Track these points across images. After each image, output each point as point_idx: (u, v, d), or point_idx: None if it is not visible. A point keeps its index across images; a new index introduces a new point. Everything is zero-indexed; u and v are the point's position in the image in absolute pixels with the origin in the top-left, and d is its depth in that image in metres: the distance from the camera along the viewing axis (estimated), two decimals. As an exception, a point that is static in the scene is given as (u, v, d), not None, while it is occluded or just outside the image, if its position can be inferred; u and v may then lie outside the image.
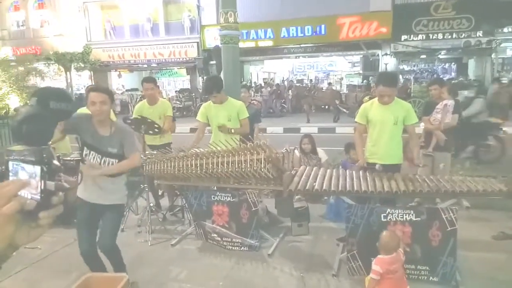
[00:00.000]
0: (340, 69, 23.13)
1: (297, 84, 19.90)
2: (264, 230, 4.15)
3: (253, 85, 19.82)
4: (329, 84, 18.93)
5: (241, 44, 9.06)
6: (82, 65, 19.92)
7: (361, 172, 3.64)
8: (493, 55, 16.13)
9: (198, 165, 3.57)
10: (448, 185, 3.16)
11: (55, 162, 0.74)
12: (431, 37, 16.19)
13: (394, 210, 3.24)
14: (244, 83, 15.23)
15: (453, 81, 15.85)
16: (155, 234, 4.34)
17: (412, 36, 16.30)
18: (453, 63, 19.74)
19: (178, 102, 18.12)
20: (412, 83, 16.73)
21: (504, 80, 13.86)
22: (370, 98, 5.39)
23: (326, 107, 16.67)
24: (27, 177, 0.72)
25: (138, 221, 4.71)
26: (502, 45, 16.07)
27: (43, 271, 3.65)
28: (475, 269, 3.37)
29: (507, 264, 3.49)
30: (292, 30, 17.66)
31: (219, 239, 4.06)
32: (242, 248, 3.94)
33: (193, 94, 18.92)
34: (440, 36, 16.09)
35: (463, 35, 15.77)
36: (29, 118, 0.86)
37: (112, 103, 3.02)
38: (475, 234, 4.05)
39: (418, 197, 4.27)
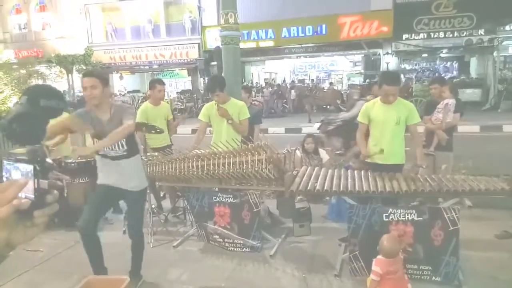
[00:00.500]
0: (342, 69, 23.12)
1: (299, 84, 19.91)
2: (266, 231, 4.14)
3: (254, 85, 19.83)
4: (331, 84, 18.92)
5: (242, 45, 9.06)
6: (84, 67, 19.93)
7: (362, 172, 3.63)
8: (495, 53, 16.06)
9: (200, 166, 3.57)
10: (450, 184, 3.15)
11: (48, 160, 0.74)
12: (432, 35, 16.16)
13: (396, 210, 3.23)
14: (245, 83, 15.22)
15: (454, 80, 15.85)
16: (157, 236, 4.34)
17: (413, 35, 16.28)
18: (454, 62, 19.70)
19: (180, 103, 18.14)
20: (414, 82, 16.70)
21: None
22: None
23: (328, 107, 16.66)
24: (21, 176, 0.72)
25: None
26: (504, 43, 16.00)
27: (45, 274, 3.65)
28: (477, 269, 3.36)
29: (510, 263, 3.47)
30: (293, 30, 17.66)
31: (221, 240, 4.06)
32: (244, 249, 3.93)
33: (195, 95, 18.93)
34: (441, 34, 16.05)
35: (465, 33, 15.73)
36: (20, 117, 0.85)
37: (105, 86, 3.01)
38: (477, 233, 4.04)
39: (420, 197, 4.26)
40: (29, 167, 0.71)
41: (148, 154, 4.47)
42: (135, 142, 3.20)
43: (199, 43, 19.20)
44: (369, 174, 3.56)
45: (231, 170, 3.38)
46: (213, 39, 17.80)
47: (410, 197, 4.10)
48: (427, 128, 4.97)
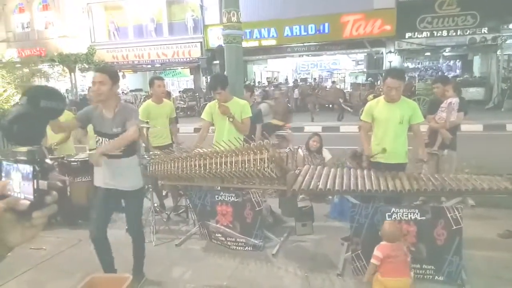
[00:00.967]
0: (344, 68, 23.06)
1: (301, 83, 19.88)
2: (268, 230, 4.14)
3: (256, 84, 19.80)
4: (333, 82, 18.87)
5: (244, 44, 9.04)
6: (87, 66, 19.99)
7: (365, 171, 3.62)
8: (498, 52, 15.99)
9: (202, 165, 3.56)
10: (453, 184, 3.13)
11: (47, 161, 0.73)
12: (435, 34, 16.07)
13: (399, 209, 3.22)
14: (247, 82, 15.21)
15: (458, 79, 15.79)
16: (159, 235, 4.35)
17: (416, 33, 16.20)
18: (458, 60, 19.62)
19: (182, 102, 18.15)
20: (417, 81, 16.63)
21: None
22: (375, 97, 5.35)
23: (330, 105, 16.63)
24: (20, 177, 0.72)
25: (142, 222, 4.71)
26: (508, 41, 15.90)
27: (48, 272, 3.66)
28: (481, 268, 3.35)
29: (514, 262, 3.46)
30: (296, 29, 17.63)
31: (223, 239, 4.06)
32: (246, 248, 3.93)
33: (197, 94, 18.94)
34: (444, 33, 15.97)
35: (468, 32, 15.63)
36: (20, 118, 0.85)
37: (115, 84, 2.99)
38: (480, 233, 4.02)
39: (423, 196, 4.25)
40: (29, 168, 0.71)
41: (150, 152, 4.47)
42: (133, 142, 3.19)
43: (201, 42, 19.21)
44: (372, 173, 3.55)
45: (233, 169, 3.38)
46: (216, 38, 17.80)
47: (413, 196, 4.09)
48: (431, 127, 4.94)
